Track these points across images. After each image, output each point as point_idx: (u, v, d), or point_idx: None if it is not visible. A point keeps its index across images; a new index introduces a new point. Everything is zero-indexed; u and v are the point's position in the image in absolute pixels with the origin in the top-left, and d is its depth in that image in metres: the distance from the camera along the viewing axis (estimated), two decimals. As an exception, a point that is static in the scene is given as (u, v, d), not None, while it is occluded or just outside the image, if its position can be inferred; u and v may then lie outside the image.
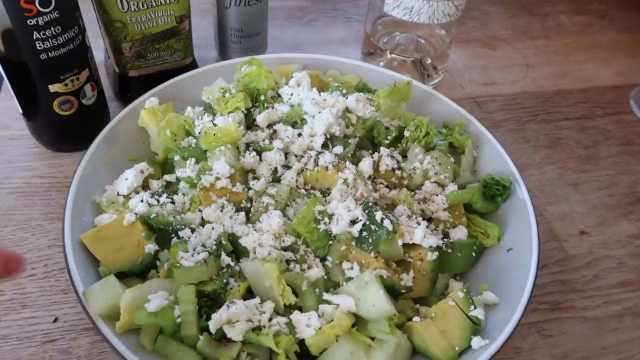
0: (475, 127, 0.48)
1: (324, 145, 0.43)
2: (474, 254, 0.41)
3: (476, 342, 0.34)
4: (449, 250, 0.40)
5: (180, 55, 0.56)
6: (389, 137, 0.45)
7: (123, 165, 0.44)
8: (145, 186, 0.44)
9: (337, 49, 0.69)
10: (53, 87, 0.45)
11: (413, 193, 0.43)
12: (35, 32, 0.41)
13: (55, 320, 0.41)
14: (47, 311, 0.41)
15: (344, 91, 0.47)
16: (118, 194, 0.42)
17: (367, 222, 0.37)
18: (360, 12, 0.76)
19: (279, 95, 0.49)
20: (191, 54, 0.58)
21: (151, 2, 0.49)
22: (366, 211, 0.37)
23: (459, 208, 0.43)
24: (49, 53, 0.43)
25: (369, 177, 0.42)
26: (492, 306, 0.38)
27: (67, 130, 0.50)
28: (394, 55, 0.62)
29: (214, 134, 0.42)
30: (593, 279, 0.47)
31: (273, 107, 0.46)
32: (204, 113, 0.46)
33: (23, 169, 0.51)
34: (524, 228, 0.41)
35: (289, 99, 0.48)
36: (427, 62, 0.63)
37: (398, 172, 0.43)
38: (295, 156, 0.43)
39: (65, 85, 0.46)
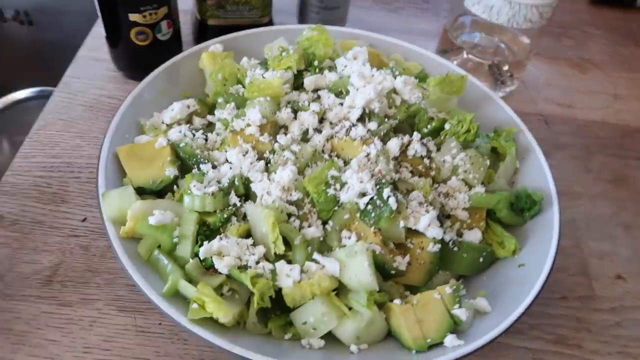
0: (524, 137, 0.46)
1: (361, 119, 0.43)
2: (481, 259, 0.39)
3: (449, 339, 0.33)
4: (455, 249, 0.39)
5: (257, 12, 0.58)
6: (429, 126, 0.45)
7: (176, 99, 0.47)
8: (189, 122, 0.47)
9: (415, 40, 0.67)
10: (132, 16, 0.50)
11: (437, 185, 0.42)
12: None
13: (84, 220, 0.45)
14: (80, 210, 0.45)
15: (396, 72, 0.47)
16: (162, 122, 0.45)
17: (375, 197, 0.37)
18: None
19: (334, 65, 0.50)
20: (269, 14, 0.60)
21: (235, -45, 0.52)
22: (377, 187, 0.37)
23: (480, 211, 0.41)
24: None
25: (395, 158, 0.41)
26: (482, 314, 0.36)
27: (140, 59, 0.54)
28: (470, 56, 0.60)
29: (257, 85, 0.43)
30: (614, 326, 0.44)
31: (322, 74, 0.47)
32: (258, 66, 0.48)
33: (96, 87, 0.56)
34: (542, 248, 0.39)
35: (342, 69, 0.48)
36: (504, 68, 0.60)
37: (426, 161, 0.42)
38: (330, 123, 0.44)
39: (144, 17, 0.50)
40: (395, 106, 0.45)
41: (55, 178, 0.47)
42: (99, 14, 0.52)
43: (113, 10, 0.50)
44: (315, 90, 0.46)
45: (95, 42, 0.61)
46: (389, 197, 0.36)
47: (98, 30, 0.63)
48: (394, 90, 0.46)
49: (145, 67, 0.53)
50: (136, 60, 0.55)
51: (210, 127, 0.46)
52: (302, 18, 0.64)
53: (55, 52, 1.00)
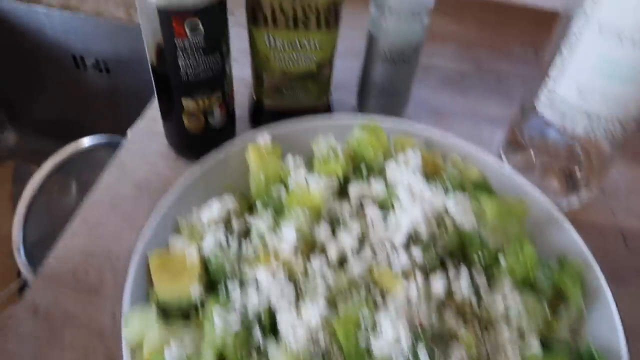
0: (595, 278, 0.40)
1: (405, 243, 0.39)
2: None
3: None
4: (500, 414, 0.34)
5: (314, 97, 0.56)
6: (481, 256, 0.40)
7: (219, 191, 0.46)
8: (228, 219, 0.45)
9: (481, 127, 0.64)
10: (185, 102, 0.50)
11: (483, 329, 0.37)
12: (179, 52, 0.45)
13: (114, 316, 0.44)
14: (111, 304, 0.45)
15: (449, 185, 0.43)
16: (200, 220, 0.44)
17: (410, 358, 0.33)
18: (527, 93, 0.69)
19: (383, 169, 0.47)
20: (327, 98, 0.58)
21: (296, 44, 0.51)
22: (413, 342, 0.33)
23: (534, 368, 0.36)
24: (188, 72, 0.47)
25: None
26: None
27: (191, 143, 0.54)
28: (538, 157, 0.55)
29: (298, 195, 0.41)
30: None
31: (369, 182, 0.44)
32: (303, 165, 0.46)
33: (148, 163, 0.56)
34: None
35: (391, 176, 0.45)
36: (578, 172, 0.55)
37: (474, 300, 0.38)
38: (371, 244, 0.40)
39: (197, 103, 0.50)
40: (445, 229, 0.41)
41: (93, 265, 0.47)
42: (156, 95, 0.52)
43: (167, 93, 0.50)
44: (360, 199, 0.43)
45: (154, 113, 0.62)
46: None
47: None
48: (445, 210, 0.42)
49: (195, 149, 0.53)
50: (187, 144, 0.55)
51: (247, 229, 0.44)
52: (362, 100, 0.61)
53: (128, 98, 1.04)
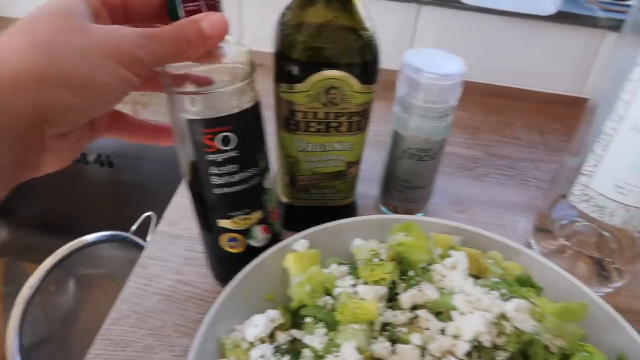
0: (662, 376, 0.39)
1: (467, 353, 0.38)
2: None
3: None
4: None
5: (342, 195, 0.56)
6: (547, 362, 0.39)
7: (258, 303, 0.44)
8: (272, 334, 0.43)
9: (504, 214, 0.64)
10: (221, 222, 0.45)
11: None
12: (211, 167, 0.42)
13: None
14: None
15: (504, 291, 0.42)
16: (244, 338, 0.42)
17: None
18: (540, 176, 0.71)
19: (429, 270, 0.46)
20: (353, 196, 0.58)
21: (327, 146, 0.51)
22: None
23: None
24: (223, 189, 0.43)
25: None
26: None
27: (230, 265, 0.47)
28: (568, 244, 0.55)
29: (352, 309, 0.39)
30: None
31: (420, 289, 0.42)
32: (348, 273, 0.45)
33: (172, 271, 0.54)
34: None
35: (440, 279, 0.44)
36: (609, 262, 0.54)
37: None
38: (432, 356, 0.38)
39: (234, 222, 0.45)
40: (506, 334, 0.40)
41: (125, 390, 0.44)
42: (195, 216, 0.47)
43: (204, 212, 0.46)
44: (412, 308, 0.42)
45: (174, 215, 0.61)
46: None
47: (178, 201, 0.63)
48: (504, 315, 0.41)
49: (234, 273, 0.47)
50: (226, 268, 0.49)
51: (295, 343, 0.42)
52: (385, 192, 0.61)
53: (131, 192, 1.02)
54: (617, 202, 0.46)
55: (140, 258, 0.55)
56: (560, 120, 0.84)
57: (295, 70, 0.44)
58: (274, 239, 0.49)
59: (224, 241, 0.46)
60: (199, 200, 0.45)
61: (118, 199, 1.01)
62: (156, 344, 0.47)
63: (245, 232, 0.46)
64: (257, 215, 0.46)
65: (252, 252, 0.47)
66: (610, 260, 0.54)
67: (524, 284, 0.46)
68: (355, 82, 0.45)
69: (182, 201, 0.62)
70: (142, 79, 0.34)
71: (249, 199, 0.45)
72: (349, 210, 0.59)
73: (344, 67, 0.44)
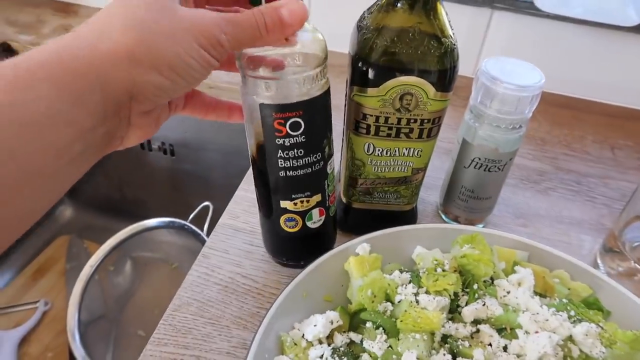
0: None
1: (532, 374, 0.37)
2: None
3: None
4: None
5: (404, 200, 0.56)
6: (615, 392, 0.37)
7: (317, 304, 0.45)
8: (330, 335, 0.43)
9: (569, 231, 0.62)
10: (283, 203, 0.47)
11: None
12: (280, 151, 0.43)
13: None
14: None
15: (572, 313, 0.41)
16: (303, 336, 0.42)
17: None
18: (609, 194, 0.68)
19: (492, 284, 0.45)
20: (415, 202, 0.57)
21: (395, 152, 0.50)
22: None
23: None
24: (288, 172, 0.44)
25: None
26: None
27: (285, 243, 0.52)
28: (637, 266, 0.52)
29: (415, 319, 0.39)
30: None
31: (484, 304, 0.42)
32: (410, 281, 0.44)
33: (232, 263, 0.55)
34: None
35: (505, 295, 0.43)
36: (684, 286, 0.52)
37: None
38: (494, 374, 0.38)
39: (295, 204, 0.47)
40: (572, 358, 0.39)
41: (181, 377, 0.45)
42: (255, 192, 0.50)
43: (266, 193, 0.48)
44: (475, 322, 0.41)
45: (236, 208, 0.62)
46: None
47: (240, 195, 0.64)
48: (570, 337, 0.39)
49: (289, 253, 0.50)
50: (281, 245, 0.53)
51: (352, 346, 0.42)
52: (447, 201, 0.60)
53: (190, 181, 1.05)
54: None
55: (203, 248, 0.57)
56: (634, 136, 0.80)
57: (371, 74, 0.44)
58: (332, 222, 0.51)
59: (282, 221, 0.48)
60: (262, 180, 0.47)
61: (177, 187, 1.05)
62: (215, 333, 0.49)
63: (304, 214, 0.48)
64: (316, 198, 0.47)
65: (307, 232, 0.49)
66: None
67: (591, 306, 0.44)
68: (431, 89, 0.44)
69: (244, 195, 0.64)
70: (221, 61, 0.35)
71: (311, 183, 0.47)
72: (410, 216, 0.58)
73: (421, 74, 0.43)
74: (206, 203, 0.92)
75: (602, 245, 0.57)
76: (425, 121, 0.48)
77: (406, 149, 0.50)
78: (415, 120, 0.48)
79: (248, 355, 0.39)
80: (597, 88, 0.86)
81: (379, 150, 0.50)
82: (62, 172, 0.30)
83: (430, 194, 0.64)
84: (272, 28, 0.35)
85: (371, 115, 0.48)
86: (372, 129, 0.49)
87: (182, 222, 0.91)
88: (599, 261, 0.57)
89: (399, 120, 0.48)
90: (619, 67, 0.83)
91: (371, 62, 0.43)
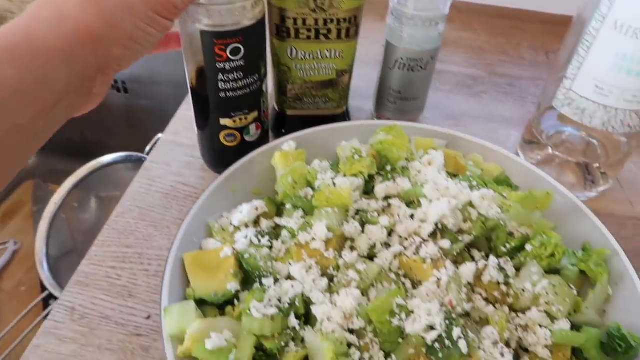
0: (620, 261, 0.41)
1: (433, 235, 0.41)
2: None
3: None
4: (535, 396, 0.34)
5: (334, 104, 0.58)
6: (507, 245, 0.41)
7: (245, 197, 0.48)
8: (257, 222, 0.46)
9: (498, 128, 0.65)
10: (223, 121, 0.50)
11: (514, 315, 0.38)
12: (220, 74, 0.46)
13: (149, 317, 0.45)
14: (145, 306, 0.46)
15: (474, 182, 0.44)
16: (231, 224, 0.45)
17: (443, 335, 0.34)
18: (539, 94, 0.71)
19: (407, 168, 0.48)
20: (345, 105, 0.60)
21: (317, 54, 0.52)
22: (446, 322, 0.34)
23: (564, 350, 0.37)
24: (227, 93, 0.47)
25: (468, 283, 0.38)
26: None
27: (225, 157, 0.53)
28: (556, 153, 0.56)
29: (326, 194, 0.42)
30: None
31: (395, 181, 0.45)
32: (329, 168, 0.47)
33: (173, 174, 0.58)
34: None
35: (416, 174, 0.46)
36: (595, 167, 0.56)
37: (504, 287, 0.39)
38: (399, 237, 0.42)
39: (234, 121, 0.50)
40: (471, 220, 0.42)
41: (126, 269, 0.48)
42: (193, 111, 0.53)
43: (205, 113, 0.50)
44: (386, 198, 0.45)
45: (178, 126, 0.64)
46: (459, 338, 0.33)
47: (182, 114, 0.66)
48: (470, 203, 0.43)
49: (228, 163, 0.53)
50: (221, 158, 0.55)
51: (277, 229, 0.46)
52: (379, 106, 0.63)
53: (146, 116, 1.06)
54: (596, 103, 0.47)
55: (144, 162, 0.59)
56: (569, 42, 0.83)
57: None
58: (264, 134, 0.55)
59: (222, 136, 0.51)
60: (202, 101, 0.50)
61: (135, 123, 1.06)
62: (156, 233, 0.52)
63: (242, 129, 0.51)
64: (253, 115, 0.51)
65: (245, 145, 0.53)
66: (597, 165, 0.55)
67: (502, 183, 0.48)
68: (340, -16, 0.46)
69: (185, 114, 0.66)
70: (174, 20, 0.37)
71: (249, 101, 0.50)
72: (342, 119, 0.61)
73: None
74: (160, 135, 0.94)
75: (522, 137, 0.61)
76: (342, 20, 0.50)
77: (327, 50, 0.52)
78: (332, 20, 0.50)
79: (175, 240, 0.42)
80: (534, -2, 0.88)
81: (302, 53, 0.52)
82: (24, 147, 0.33)
83: (366, 104, 0.67)
84: None
85: (289, 18, 0.49)
86: (292, 32, 0.51)
87: (139, 154, 0.93)
88: (519, 152, 0.61)
89: (316, 21, 0.50)
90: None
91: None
